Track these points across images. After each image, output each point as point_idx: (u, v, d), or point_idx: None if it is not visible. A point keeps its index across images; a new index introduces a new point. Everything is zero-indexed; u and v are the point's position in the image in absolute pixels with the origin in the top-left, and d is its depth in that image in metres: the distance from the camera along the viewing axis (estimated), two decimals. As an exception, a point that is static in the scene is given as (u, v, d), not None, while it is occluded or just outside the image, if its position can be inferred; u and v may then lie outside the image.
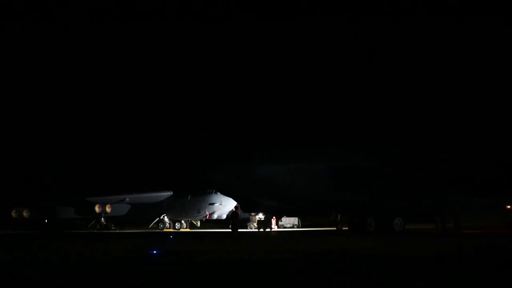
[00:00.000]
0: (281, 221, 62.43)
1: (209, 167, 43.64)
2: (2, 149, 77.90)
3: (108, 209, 64.71)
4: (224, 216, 62.08)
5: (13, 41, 79.73)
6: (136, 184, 70.49)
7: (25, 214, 65.75)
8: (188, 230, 64.44)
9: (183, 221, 65.97)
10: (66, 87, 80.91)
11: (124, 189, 67.06)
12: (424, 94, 46.92)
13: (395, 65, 50.18)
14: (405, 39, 53.12)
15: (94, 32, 78.55)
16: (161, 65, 76.31)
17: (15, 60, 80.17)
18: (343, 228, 46.12)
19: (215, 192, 59.61)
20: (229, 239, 34.58)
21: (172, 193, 64.53)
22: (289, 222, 63.15)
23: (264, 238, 37.79)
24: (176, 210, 63.92)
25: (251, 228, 56.86)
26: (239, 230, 38.02)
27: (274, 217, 55.00)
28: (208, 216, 62.67)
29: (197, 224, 67.25)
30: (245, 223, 56.34)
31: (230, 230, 39.51)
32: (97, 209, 64.25)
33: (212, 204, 62.01)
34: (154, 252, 23.13)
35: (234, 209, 39.30)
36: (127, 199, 65.57)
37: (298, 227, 62.40)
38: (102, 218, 65.73)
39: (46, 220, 67.46)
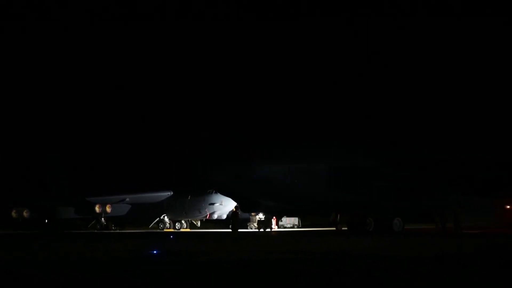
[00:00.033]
0: (281, 221, 62.44)
1: (209, 167, 43.64)
2: (2, 149, 77.92)
3: (108, 209, 64.70)
4: (224, 216, 62.08)
5: (13, 41, 79.74)
6: (136, 184, 70.50)
7: (25, 214, 65.73)
8: (188, 230, 64.44)
9: (183, 221, 65.98)
10: (66, 87, 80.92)
11: (124, 189, 67.05)
12: (424, 94, 46.95)
13: (395, 65, 50.21)
14: (405, 39, 53.15)
15: (94, 32, 78.56)
16: (161, 65, 76.32)
17: (15, 60, 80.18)
18: (343, 228, 46.11)
19: (215, 192, 59.59)
20: (229, 239, 34.57)
21: (172, 193, 64.53)
22: (289, 222, 63.17)
23: (264, 238, 37.79)
24: (176, 210, 63.92)
25: (251, 228, 56.86)
26: (239, 230, 38.01)
27: (274, 217, 55.00)
28: (208, 216, 62.67)
29: (197, 224, 67.25)
30: (245, 223, 56.34)
31: (230, 230, 39.50)
32: (97, 209, 64.25)
33: (212, 204, 62.02)
34: (154, 252, 23.14)
35: (234, 209, 39.25)
36: (127, 199, 65.56)
37: (298, 227, 62.41)
38: (102, 218, 65.72)
39: (46, 220, 67.42)
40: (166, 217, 64.46)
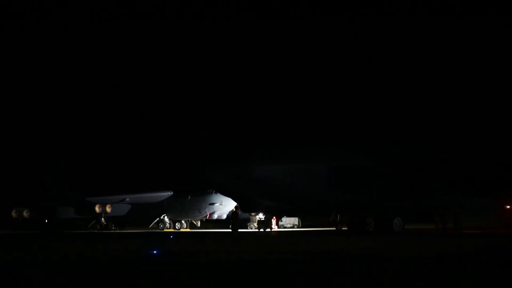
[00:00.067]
0: (281, 221, 62.45)
1: (209, 167, 43.64)
2: (2, 149, 77.92)
3: (108, 209, 64.72)
4: (224, 216, 62.09)
5: (13, 41, 79.72)
6: (136, 184, 70.52)
7: (25, 214, 65.74)
8: (188, 230, 64.44)
9: (183, 221, 65.99)
10: (66, 87, 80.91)
11: (124, 189, 67.07)
12: (424, 94, 46.94)
13: (395, 65, 50.19)
14: (405, 39, 53.13)
15: (94, 32, 78.53)
16: (161, 65, 76.27)
17: (15, 60, 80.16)
18: (343, 228, 46.11)
19: (215, 192, 59.59)
20: (229, 239, 34.57)
21: (172, 193, 64.54)
22: (289, 222, 63.17)
23: (264, 238, 37.79)
24: (176, 210, 63.93)
25: (251, 228, 56.86)
26: (239, 230, 38.01)
27: (274, 217, 55.00)
28: (208, 216, 62.68)
29: (197, 224, 67.25)
30: (245, 223, 56.35)
31: (230, 230, 39.50)
32: (97, 209, 64.26)
33: (212, 204, 62.03)
34: (154, 252, 23.14)
35: (234, 209, 39.25)
36: (127, 199, 65.57)
37: (298, 227, 62.42)
38: (102, 218, 65.73)
39: (46, 220, 67.44)
40: (166, 217, 64.47)
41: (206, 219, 63.79)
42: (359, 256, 19.87)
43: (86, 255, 22.05)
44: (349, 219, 45.15)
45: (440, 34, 51.67)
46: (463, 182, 41.24)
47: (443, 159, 41.93)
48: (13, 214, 65.73)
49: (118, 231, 63.08)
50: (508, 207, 44.97)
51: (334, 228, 47.92)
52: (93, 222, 68.32)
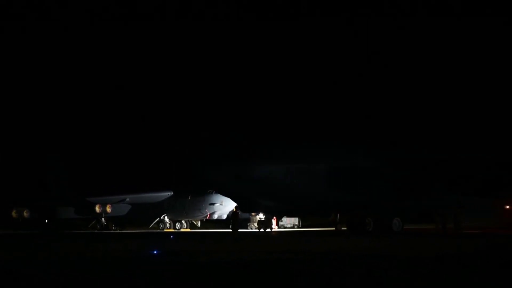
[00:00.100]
0: (282, 221, 62.47)
1: (208, 167, 43.64)
2: (2, 149, 77.93)
3: (108, 209, 64.74)
4: (224, 216, 62.11)
5: (13, 41, 79.72)
6: (136, 184, 70.54)
7: (25, 214, 65.76)
8: (188, 230, 64.45)
9: (183, 221, 66.00)
10: (66, 87, 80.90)
11: (124, 189, 67.09)
12: (424, 94, 46.93)
13: (395, 65, 50.16)
14: (405, 39, 53.10)
15: (94, 32, 78.51)
16: (161, 65, 76.22)
17: (15, 60, 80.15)
18: (342, 228, 46.12)
19: (215, 192, 59.61)
20: (230, 239, 34.58)
21: (172, 193, 64.56)
22: (289, 222, 63.20)
23: (265, 238, 37.80)
24: (177, 210, 63.95)
25: (251, 228, 56.89)
26: (239, 230, 38.02)
27: (274, 217, 55.01)
28: (208, 216, 62.69)
29: (197, 224, 67.26)
30: (245, 223, 56.37)
31: (230, 230, 39.51)
32: (97, 209, 64.28)
33: (213, 204, 62.04)
34: (155, 252, 23.14)
35: (234, 209, 39.26)
36: (128, 199, 65.59)
37: (298, 227, 62.43)
38: (103, 218, 65.75)
39: (46, 220, 67.47)
40: (166, 217, 64.48)
41: (206, 219, 63.80)
42: (359, 256, 19.87)
43: (86, 255, 22.05)
44: (349, 219, 45.15)
45: (440, 34, 51.65)
46: (463, 182, 41.24)
47: (443, 159, 41.93)
48: (13, 214, 65.75)
49: (118, 231, 63.08)
50: (508, 207, 44.99)
51: (334, 228, 47.94)
52: (93, 222, 68.33)
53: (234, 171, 42.17)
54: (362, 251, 22.63)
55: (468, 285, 12.52)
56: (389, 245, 26.77)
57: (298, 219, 63.36)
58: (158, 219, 64.74)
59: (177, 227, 65.02)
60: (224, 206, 61.20)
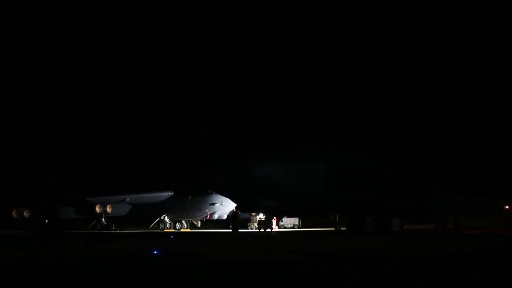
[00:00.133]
0: (282, 221, 62.51)
1: (207, 167, 43.63)
2: (2, 149, 77.93)
3: (108, 209, 64.77)
4: (224, 216, 62.12)
5: (13, 41, 79.71)
6: (136, 184, 70.56)
7: (25, 214, 65.78)
8: (188, 230, 64.46)
9: (183, 221, 66.01)
10: (66, 87, 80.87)
11: (124, 189, 67.12)
12: (424, 94, 46.90)
13: (395, 65, 50.13)
14: (405, 39, 53.07)
15: (94, 32, 78.49)
16: (161, 65, 76.19)
17: (15, 60, 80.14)
18: (342, 229, 46.11)
19: (215, 192, 59.63)
20: (230, 239, 34.58)
21: (172, 193, 64.58)
22: (289, 222, 63.23)
23: (265, 238, 37.81)
24: (177, 210, 63.97)
25: (251, 228, 56.90)
26: (239, 230, 38.03)
27: (274, 218, 55.02)
28: (208, 216, 62.71)
29: (197, 224, 67.27)
30: (245, 223, 56.38)
31: (230, 230, 39.51)
32: (97, 209, 64.30)
33: (213, 204, 62.06)
34: (155, 252, 23.14)
35: (234, 209, 39.28)
36: (128, 199, 65.62)
37: (298, 227, 62.44)
38: (103, 218, 65.77)
39: (46, 220, 67.49)
40: (166, 217, 64.50)
41: (207, 219, 63.81)
42: (359, 256, 19.88)
43: (86, 255, 22.06)
44: (348, 219, 45.12)
45: (440, 34, 51.63)
46: (463, 182, 41.23)
47: (443, 159, 41.92)
48: (14, 214, 65.79)
49: (118, 231, 63.09)
50: (507, 207, 44.98)
51: (334, 229, 47.93)
52: (93, 222, 68.34)
53: (233, 171, 42.14)
54: (362, 251, 22.63)
55: (468, 285, 12.52)
56: (389, 245, 26.77)
57: (299, 219, 63.37)
58: (158, 219, 64.75)
59: (177, 227, 65.03)
60: (225, 206, 61.22)
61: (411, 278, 13.67)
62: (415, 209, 43.27)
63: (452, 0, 53.20)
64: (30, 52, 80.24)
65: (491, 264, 16.70)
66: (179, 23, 70.89)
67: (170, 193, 64.62)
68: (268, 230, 49.46)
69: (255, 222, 55.79)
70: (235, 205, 43.16)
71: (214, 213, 62.19)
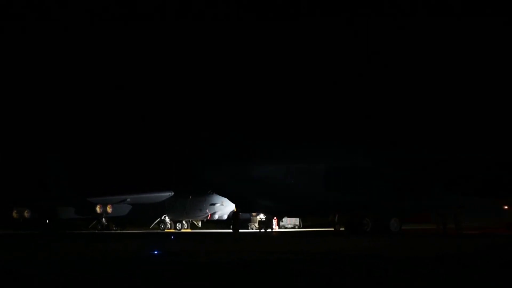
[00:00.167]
0: (282, 221, 62.52)
1: (206, 167, 43.61)
2: (2, 149, 77.96)
3: (109, 209, 64.78)
4: (225, 217, 62.14)
5: (13, 41, 79.75)
6: (137, 184, 70.59)
7: (26, 214, 65.82)
8: (189, 230, 64.47)
9: (184, 222, 66.01)
10: (66, 87, 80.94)
11: (125, 190, 67.13)
12: (424, 94, 46.93)
13: (395, 65, 50.17)
14: (405, 39, 53.12)
15: (94, 32, 78.55)
16: (161, 65, 76.27)
17: (15, 60, 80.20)
18: (341, 229, 46.11)
19: (214, 193, 59.64)
20: (230, 239, 34.58)
21: (173, 193, 64.59)
22: (290, 223, 63.25)
23: (265, 238, 37.81)
24: (177, 211, 63.98)
25: (252, 229, 56.91)
26: (240, 230, 38.04)
27: (275, 218, 55.03)
28: (209, 216, 62.72)
29: (198, 224, 67.27)
30: (246, 223, 56.39)
31: (231, 230, 39.52)
32: (98, 209, 64.32)
33: (213, 204, 62.07)
34: (155, 252, 23.15)
35: (235, 210, 39.31)
36: (128, 200, 65.62)
37: (299, 228, 62.45)
38: (103, 219, 65.77)
39: (47, 221, 67.51)
40: (167, 217, 64.51)
41: (207, 220, 63.83)
42: (359, 256, 19.88)
43: (86, 255, 22.06)
44: (348, 219, 45.11)
45: (440, 34, 51.66)
46: (463, 182, 41.22)
47: (443, 159, 41.91)
48: (14, 214, 65.83)
49: (119, 231, 63.10)
50: (506, 207, 44.99)
51: (333, 229, 47.93)
52: (94, 223, 68.34)
53: (233, 171, 42.13)
54: (362, 251, 22.63)
55: (468, 285, 12.53)
56: (389, 245, 26.78)
57: (299, 219, 63.39)
58: (158, 219, 64.76)
59: (177, 228, 65.03)
60: (225, 207, 61.22)
61: (411, 278, 13.68)
62: (415, 209, 43.27)
63: (452, 0, 53.23)
64: (30, 52, 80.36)
65: (491, 264, 16.70)
66: (179, 23, 70.95)
67: (170, 193, 64.63)
68: (269, 230, 49.46)
69: (256, 222, 55.80)
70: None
71: (214, 213, 62.20)
